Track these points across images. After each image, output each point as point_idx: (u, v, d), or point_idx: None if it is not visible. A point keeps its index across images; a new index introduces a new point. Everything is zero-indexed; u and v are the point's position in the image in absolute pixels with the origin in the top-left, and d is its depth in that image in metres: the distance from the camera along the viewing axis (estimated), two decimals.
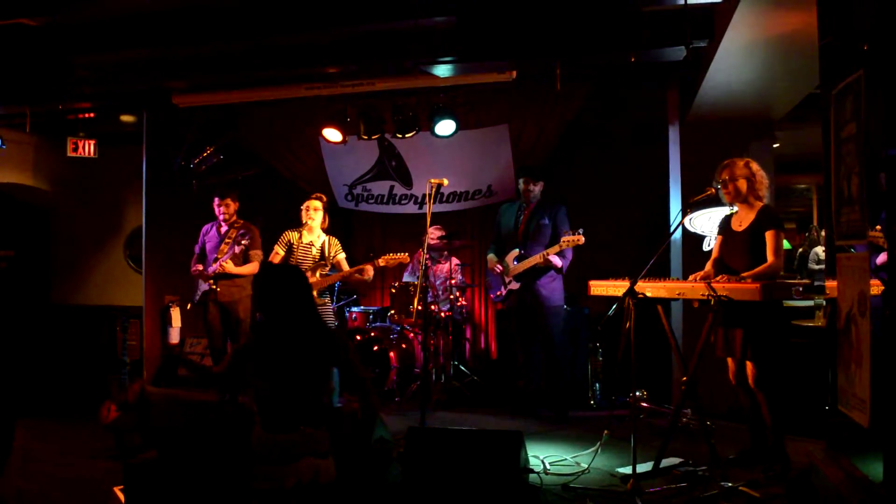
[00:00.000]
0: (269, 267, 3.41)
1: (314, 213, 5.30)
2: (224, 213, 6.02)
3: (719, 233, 4.39)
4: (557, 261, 5.44)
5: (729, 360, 4.20)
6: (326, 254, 5.26)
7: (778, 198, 4.39)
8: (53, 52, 5.80)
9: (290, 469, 2.94)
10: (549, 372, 5.67)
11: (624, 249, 6.32)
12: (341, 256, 5.31)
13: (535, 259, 5.46)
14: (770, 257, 3.97)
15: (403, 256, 5.29)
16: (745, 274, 3.93)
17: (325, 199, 5.42)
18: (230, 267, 5.76)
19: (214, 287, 5.79)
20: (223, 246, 5.94)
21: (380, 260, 5.25)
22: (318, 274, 5.20)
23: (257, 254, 5.87)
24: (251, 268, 5.90)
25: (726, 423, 5.08)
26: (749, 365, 4.04)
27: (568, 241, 5.29)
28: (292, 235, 5.36)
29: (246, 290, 6.07)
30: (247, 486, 2.95)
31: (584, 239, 5.25)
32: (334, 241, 5.35)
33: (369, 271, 5.23)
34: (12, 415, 4.48)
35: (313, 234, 5.34)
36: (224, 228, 6.06)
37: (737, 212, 4.25)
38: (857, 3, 2.77)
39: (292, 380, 3.05)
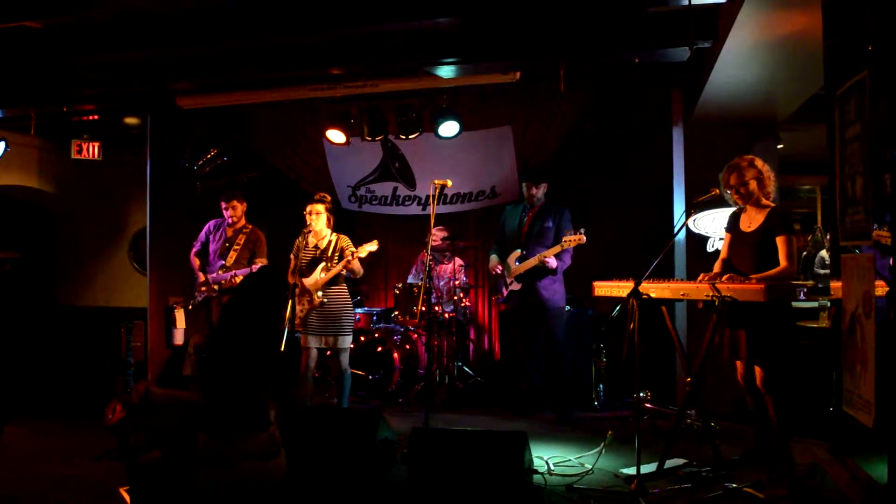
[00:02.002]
0: (271, 273, 3.44)
1: (316, 216, 5.30)
2: (232, 216, 6.03)
3: (727, 230, 4.36)
4: (553, 262, 5.46)
5: (737, 362, 4.18)
6: (329, 253, 5.25)
7: (782, 199, 4.38)
8: (57, 55, 5.81)
9: (230, 473, 2.95)
10: (552, 373, 5.67)
11: (628, 250, 6.30)
12: (348, 253, 5.28)
13: (533, 261, 5.47)
14: (783, 262, 3.93)
15: (372, 243, 5.26)
16: (754, 277, 3.90)
17: (328, 198, 5.41)
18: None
19: (219, 295, 5.82)
20: (231, 253, 5.94)
21: (358, 250, 5.19)
22: (320, 274, 5.20)
23: (262, 262, 5.87)
24: None
25: (730, 424, 5.07)
26: (757, 367, 4.02)
27: (569, 240, 5.30)
28: (300, 241, 5.39)
29: None
30: (191, 487, 2.99)
31: (585, 238, 5.26)
32: (343, 239, 5.33)
33: (354, 264, 5.19)
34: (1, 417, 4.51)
35: (318, 236, 5.34)
36: (232, 232, 6.06)
37: (746, 210, 4.22)
38: (862, 4, 2.77)
39: (234, 387, 3.09)
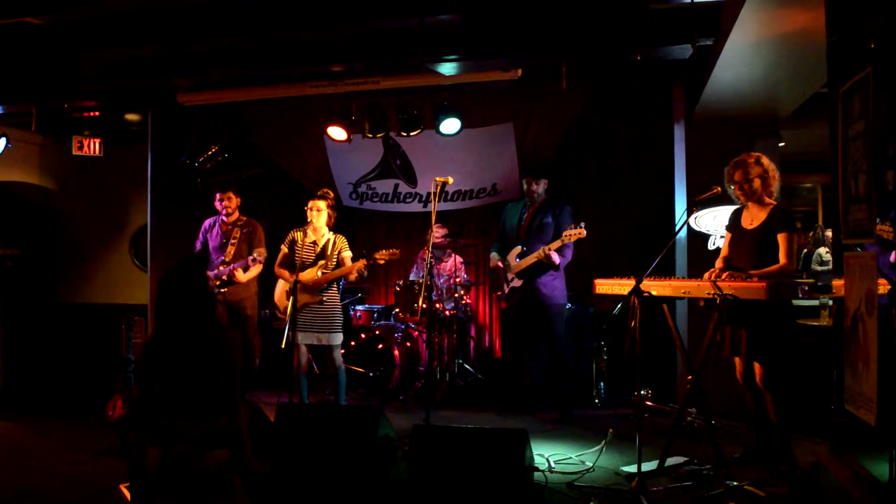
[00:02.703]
0: (172, 271, 3.49)
1: (317, 213, 5.30)
2: (227, 208, 6.01)
3: (728, 229, 4.36)
4: (556, 258, 5.44)
5: (737, 359, 4.18)
6: (328, 252, 5.26)
7: (783, 197, 4.39)
8: (58, 51, 5.81)
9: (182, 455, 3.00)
10: (552, 370, 5.67)
11: (629, 248, 6.30)
12: (346, 255, 5.30)
13: (537, 255, 5.46)
14: (782, 259, 3.93)
15: (395, 252, 5.27)
16: (753, 272, 3.90)
17: (331, 195, 5.40)
18: (240, 275, 5.80)
19: (223, 290, 5.81)
20: (230, 248, 5.93)
21: (375, 256, 5.20)
22: (318, 272, 5.20)
23: (261, 252, 5.87)
24: (257, 269, 5.89)
25: (731, 422, 5.07)
26: (756, 365, 4.02)
27: (570, 234, 5.30)
28: (297, 234, 5.38)
29: (251, 288, 6.06)
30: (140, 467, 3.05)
31: (585, 232, 5.25)
32: (340, 239, 5.35)
33: (363, 269, 5.21)
34: None
35: (318, 233, 5.34)
36: (228, 227, 6.05)
37: (748, 207, 4.22)
38: (864, 2, 2.76)
39: (178, 379, 3.13)
